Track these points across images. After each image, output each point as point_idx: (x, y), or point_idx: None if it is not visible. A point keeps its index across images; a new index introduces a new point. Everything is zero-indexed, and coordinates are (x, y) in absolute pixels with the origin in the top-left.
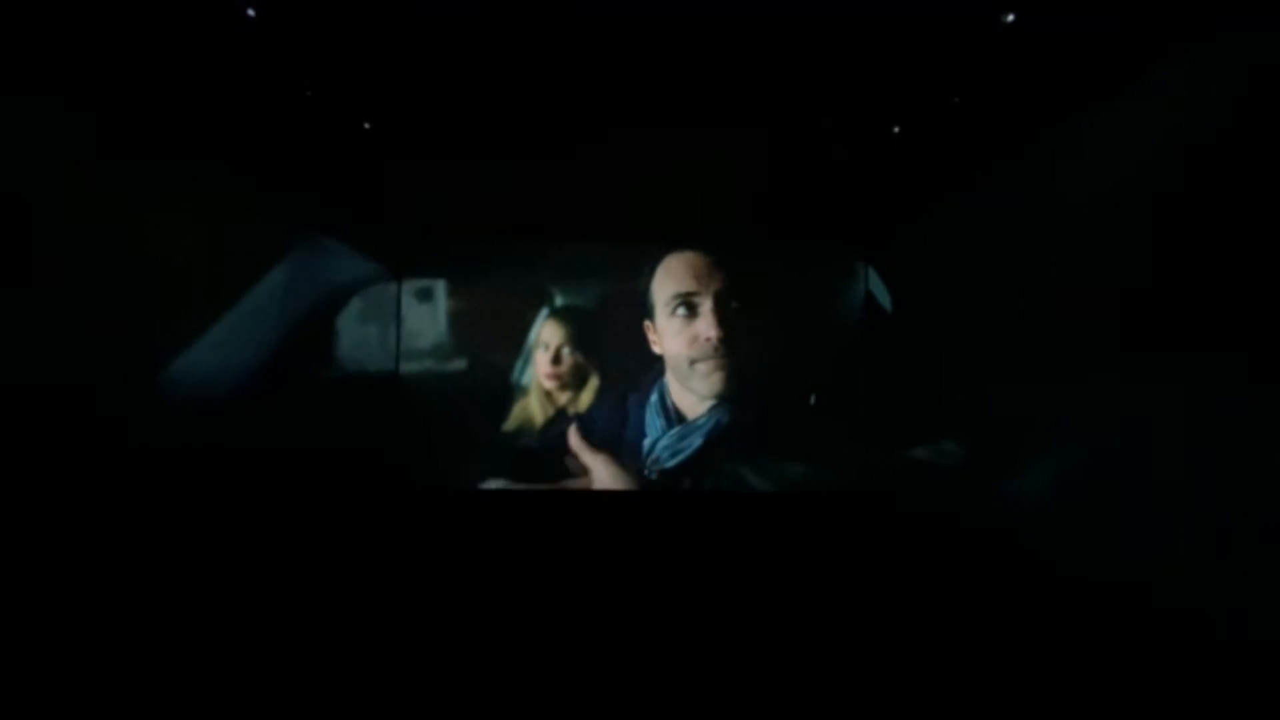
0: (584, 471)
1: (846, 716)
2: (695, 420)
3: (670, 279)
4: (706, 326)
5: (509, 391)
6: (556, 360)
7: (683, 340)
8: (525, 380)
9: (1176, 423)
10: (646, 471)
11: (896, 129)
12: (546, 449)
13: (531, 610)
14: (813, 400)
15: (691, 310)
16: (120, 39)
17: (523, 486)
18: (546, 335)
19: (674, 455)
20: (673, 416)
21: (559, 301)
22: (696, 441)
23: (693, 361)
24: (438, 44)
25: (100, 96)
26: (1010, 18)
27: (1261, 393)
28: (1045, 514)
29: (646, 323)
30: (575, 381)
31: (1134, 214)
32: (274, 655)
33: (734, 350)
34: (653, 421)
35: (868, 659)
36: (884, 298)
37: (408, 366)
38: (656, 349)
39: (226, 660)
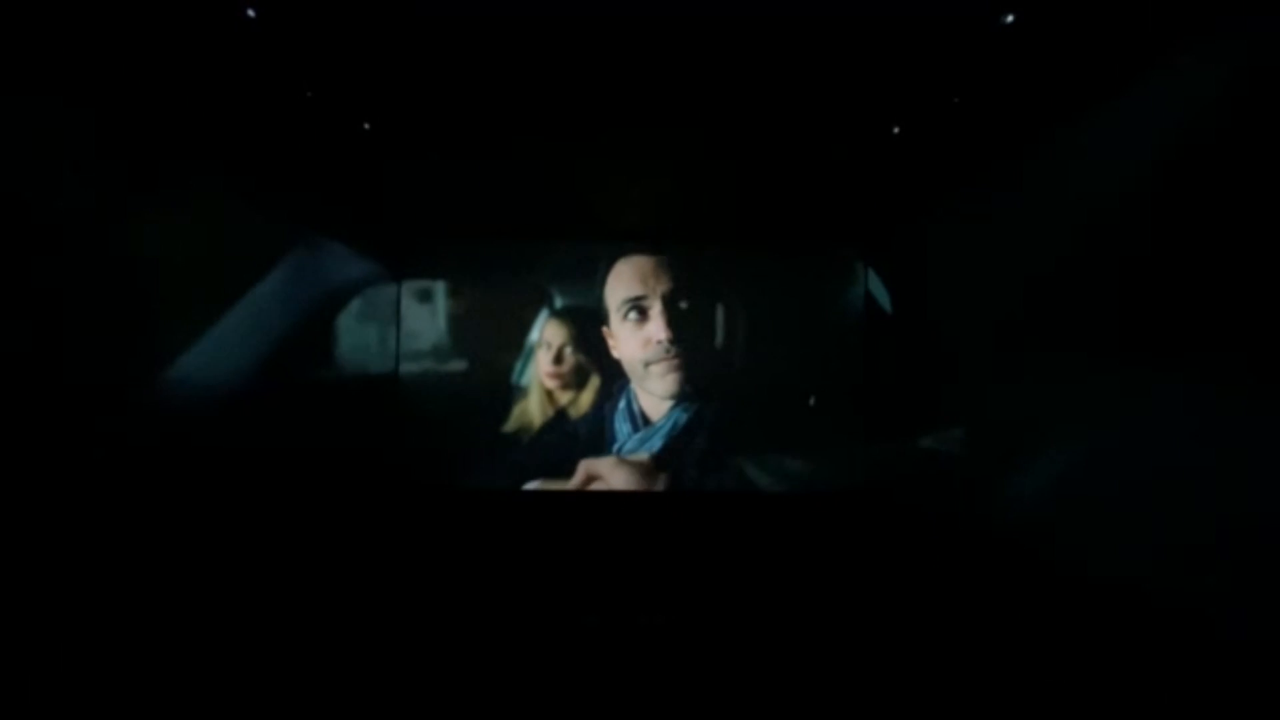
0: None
1: (842, 715)
2: (656, 423)
3: (619, 283)
4: (657, 329)
5: (509, 391)
6: (558, 360)
7: (636, 343)
8: (525, 380)
9: (1176, 422)
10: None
11: (896, 129)
12: (546, 449)
13: (530, 610)
14: (812, 401)
15: (642, 314)
16: (120, 39)
17: (522, 486)
18: (549, 335)
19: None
20: (638, 420)
21: (560, 302)
22: (656, 444)
23: (647, 364)
24: (437, 44)
25: (100, 96)
26: (1010, 18)
27: (1262, 392)
28: (1045, 514)
29: (604, 328)
30: (576, 381)
31: (1133, 214)
32: (274, 655)
33: (687, 350)
34: (620, 427)
35: (864, 658)
36: (883, 298)
37: (408, 367)
38: (615, 354)
39: (226, 660)
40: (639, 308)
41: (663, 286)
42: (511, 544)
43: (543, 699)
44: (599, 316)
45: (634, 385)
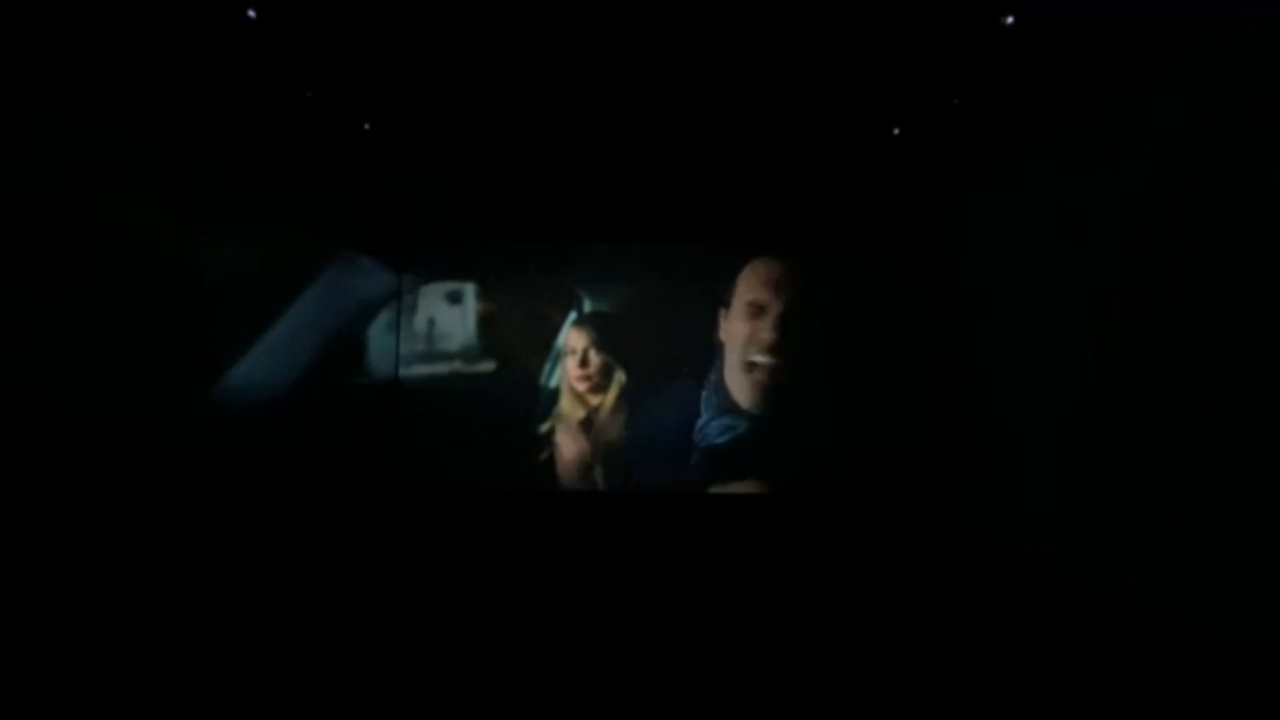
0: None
1: (837, 714)
2: (745, 408)
3: (748, 283)
4: (768, 329)
5: (537, 393)
6: (584, 363)
7: (743, 336)
8: (554, 383)
9: (1174, 421)
10: (697, 440)
11: (896, 130)
12: (559, 449)
13: (531, 608)
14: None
15: (759, 313)
16: (120, 39)
17: (527, 486)
18: (573, 340)
19: (723, 433)
20: (725, 402)
21: (585, 307)
22: (743, 426)
23: (749, 357)
24: (438, 44)
25: (99, 96)
26: (1010, 19)
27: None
28: (1043, 516)
29: (721, 309)
30: (603, 382)
31: (1135, 217)
32: (281, 652)
33: (785, 354)
34: (709, 400)
35: (862, 658)
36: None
37: (419, 369)
38: (722, 336)
39: (233, 656)
40: (759, 307)
41: (783, 294)
42: (512, 543)
43: (540, 695)
44: (721, 300)
45: (728, 370)
